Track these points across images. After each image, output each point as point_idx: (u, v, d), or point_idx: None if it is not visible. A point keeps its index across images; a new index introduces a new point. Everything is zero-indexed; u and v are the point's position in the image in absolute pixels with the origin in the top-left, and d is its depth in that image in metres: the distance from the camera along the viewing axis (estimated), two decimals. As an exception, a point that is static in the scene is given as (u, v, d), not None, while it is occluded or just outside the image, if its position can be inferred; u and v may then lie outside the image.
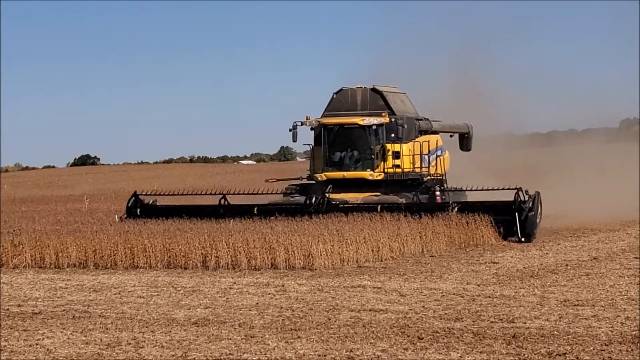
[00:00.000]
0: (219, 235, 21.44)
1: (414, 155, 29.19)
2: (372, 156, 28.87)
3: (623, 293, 15.93)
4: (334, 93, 30.08)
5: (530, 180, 31.62)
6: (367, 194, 27.89)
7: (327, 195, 26.86)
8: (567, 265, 20.01)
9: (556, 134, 58.06)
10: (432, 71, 46.32)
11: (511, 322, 13.48)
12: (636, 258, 20.96)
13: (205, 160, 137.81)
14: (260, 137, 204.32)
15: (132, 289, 17.78)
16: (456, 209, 24.83)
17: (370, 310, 14.67)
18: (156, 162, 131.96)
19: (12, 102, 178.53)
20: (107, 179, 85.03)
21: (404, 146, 29.05)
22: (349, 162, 29.05)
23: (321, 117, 29.63)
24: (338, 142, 29.17)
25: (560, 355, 11.41)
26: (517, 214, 24.86)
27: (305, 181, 29.75)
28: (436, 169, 30.18)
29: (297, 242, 20.56)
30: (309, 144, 30.08)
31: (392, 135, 28.79)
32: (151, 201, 28.84)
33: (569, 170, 42.02)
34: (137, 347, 12.41)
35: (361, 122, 28.80)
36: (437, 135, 31.47)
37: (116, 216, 28.56)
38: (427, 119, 30.94)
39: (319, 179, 28.84)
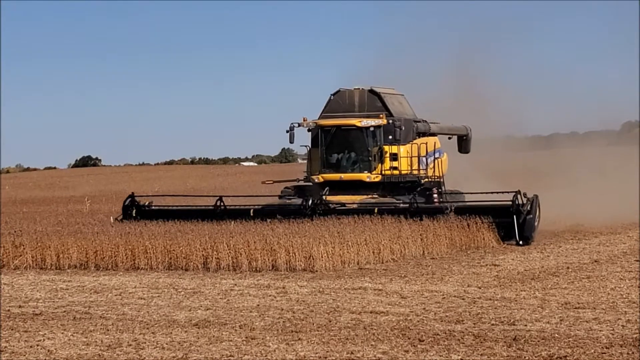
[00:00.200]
0: (219, 236, 21.44)
1: (411, 157, 29.02)
2: (370, 158, 28.66)
3: (624, 296, 15.92)
4: (331, 94, 29.90)
5: (531, 183, 31.65)
6: (365, 196, 27.73)
7: (324, 197, 26.69)
8: (568, 267, 20.00)
9: (557, 137, 58.07)
10: (432, 72, 46.28)
11: (512, 324, 13.48)
12: (637, 261, 20.96)
13: (207, 161, 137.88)
14: (261, 138, 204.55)
15: (133, 291, 17.79)
16: (452, 211, 24.72)
17: (371, 313, 14.67)
18: (157, 164, 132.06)
19: (13, 103, 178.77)
20: (108, 180, 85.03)
21: (402, 148, 28.87)
22: (346, 164, 28.87)
23: (318, 118, 29.45)
24: (335, 143, 28.98)
25: (561, 357, 11.41)
26: (515, 217, 24.76)
27: (302, 183, 29.54)
28: (434, 171, 29.95)
29: (298, 243, 20.57)
30: (306, 146, 29.83)
31: (390, 137, 28.60)
32: (147, 203, 28.68)
33: (570, 173, 42.01)
34: (138, 349, 12.41)
35: (358, 124, 28.60)
36: (435, 137, 31.27)
37: (112, 218, 28.51)
38: (425, 121, 30.75)
39: (316, 180, 28.66)
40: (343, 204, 26.94)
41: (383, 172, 28.58)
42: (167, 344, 12.66)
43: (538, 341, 12.29)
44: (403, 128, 28.72)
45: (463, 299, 15.84)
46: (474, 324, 13.58)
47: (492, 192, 25.80)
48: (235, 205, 27.89)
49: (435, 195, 28.15)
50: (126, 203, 28.59)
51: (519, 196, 25.03)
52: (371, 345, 12.28)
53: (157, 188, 63.58)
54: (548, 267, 20.11)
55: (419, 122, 30.29)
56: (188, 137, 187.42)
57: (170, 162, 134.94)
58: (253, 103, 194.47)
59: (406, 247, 22.49)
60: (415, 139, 29.61)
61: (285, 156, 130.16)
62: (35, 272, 21.37)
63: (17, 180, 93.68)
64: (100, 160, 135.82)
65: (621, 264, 20.44)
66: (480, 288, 17.14)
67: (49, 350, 12.43)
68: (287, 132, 29.12)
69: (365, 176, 28.44)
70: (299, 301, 16.00)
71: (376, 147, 28.67)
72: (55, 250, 22.08)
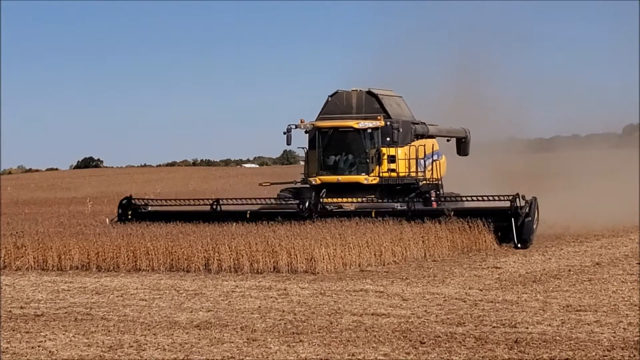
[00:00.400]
0: (221, 238, 21.45)
1: (409, 159, 28.83)
2: (367, 160, 28.46)
3: (625, 299, 15.92)
4: (329, 96, 29.71)
5: (533, 186, 31.63)
6: (361, 199, 27.47)
7: (321, 200, 26.50)
8: (569, 270, 19.99)
9: (559, 140, 58.09)
10: (433, 75, 46.33)
11: (513, 327, 13.47)
12: (639, 263, 20.94)
13: (208, 163, 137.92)
14: (263, 140, 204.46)
15: (135, 292, 17.79)
16: (452, 214, 24.58)
17: (372, 315, 14.67)
18: (159, 165, 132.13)
19: (15, 104, 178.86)
20: (110, 182, 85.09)
21: (400, 150, 28.69)
22: (343, 166, 28.67)
23: (316, 120, 29.27)
24: (333, 145, 28.80)
25: (562, 360, 11.41)
26: (513, 219, 24.59)
27: (299, 185, 29.33)
28: (432, 173, 29.79)
29: (300, 245, 20.57)
30: (303, 148, 29.65)
31: (388, 139, 28.41)
32: (142, 204, 28.50)
33: (571, 176, 42.02)
34: (139, 350, 12.42)
35: (356, 126, 28.43)
36: (434, 139, 31.11)
37: (107, 219, 28.44)
38: (424, 123, 30.56)
39: (313, 183, 28.46)
40: (340, 206, 26.83)
41: (381, 174, 28.38)
42: (168, 345, 12.66)
43: (539, 344, 12.29)
44: (401, 130, 28.53)
45: (464, 302, 15.84)
46: (476, 326, 13.58)
47: (490, 195, 25.68)
48: (232, 203, 27.64)
49: (433, 198, 27.97)
50: (121, 205, 28.32)
51: (517, 199, 24.91)
52: (372, 347, 12.28)
53: (159, 189, 63.66)
54: (549, 270, 20.10)
55: (417, 124, 30.10)
56: (190, 139, 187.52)
57: (172, 164, 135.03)
58: (255, 105, 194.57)
59: (407, 249, 22.48)
60: (413, 141, 29.44)
61: (287, 158, 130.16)
62: (37, 273, 21.38)
63: (19, 181, 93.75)
64: (102, 161, 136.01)
65: (623, 267, 20.42)
66: (481, 290, 17.13)
67: (50, 352, 12.44)
68: (285, 133, 28.95)
69: (362, 178, 28.27)
70: (300, 303, 16.00)
71: (374, 149, 28.47)
72: (57, 251, 22.09)
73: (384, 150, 28.48)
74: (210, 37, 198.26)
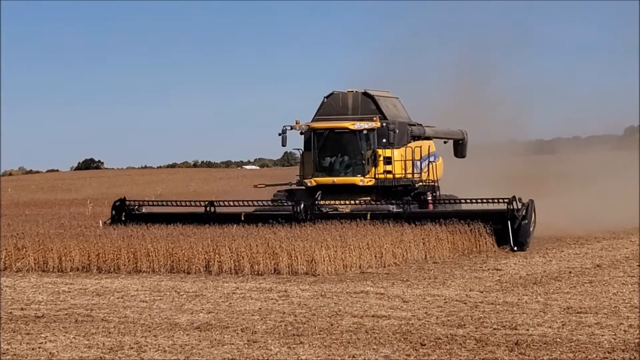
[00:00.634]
0: (222, 240, 21.45)
1: (405, 160, 28.54)
2: (363, 162, 28.17)
3: (626, 301, 15.91)
4: (324, 97, 29.39)
5: (532, 188, 31.56)
6: (357, 201, 27.22)
7: (317, 201, 26.31)
8: (570, 272, 19.99)
9: (560, 141, 58.07)
10: (434, 76, 46.32)
11: (514, 329, 13.47)
12: (639, 266, 20.93)
13: (209, 165, 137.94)
14: (263, 142, 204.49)
15: (135, 293, 17.79)
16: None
17: (372, 316, 14.67)
18: (160, 167, 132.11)
19: (15, 106, 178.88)
20: (110, 183, 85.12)
21: (396, 151, 28.38)
22: (339, 168, 28.39)
23: (311, 121, 28.95)
24: (328, 147, 28.52)
25: (562, 362, 11.41)
26: (509, 222, 24.46)
27: (294, 187, 29.04)
28: (428, 175, 29.43)
29: (300, 247, 20.56)
30: (298, 149, 29.42)
31: (384, 140, 28.11)
32: (136, 206, 28.36)
33: (572, 178, 41.98)
34: (140, 352, 12.42)
35: (352, 127, 28.15)
36: (430, 141, 30.81)
37: (100, 221, 28.39)
38: (420, 124, 30.28)
39: (309, 184, 28.21)
40: (335, 209, 26.69)
41: (376, 176, 28.11)
42: (168, 347, 12.66)
43: (540, 346, 12.28)
44: (397, 131, 28.23)
45: (465, 303, 15.83)
46: (476, 328, 13.57)
47: (487, 198, 25.57)
48: (227, 205, 27.51)
49: (429, 200, 27.82)
50: (114, 208, 28.12)
51: (514, 201, 24.79)
52: (373, 349, 12.28)
53: (159, 191, 63.68)
54: (550, 272, 20.09)
55: (413, 125, 29.81)
56: (190, 141, 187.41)
57: (173, 165, 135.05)
58: (255, 106, 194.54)
59: (408, 251, 22.48)
60: (409, 142, 29.12)
61: (288, 159, 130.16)
62: (38, 274, 21.38)
63: (19, 182, 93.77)
64: (102, 163, 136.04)
65: (623, 269, 20.42)
66: (482, 292, 17.13)
67: (50, 353, 12.44)
68: (280, 135, 28.62)
69: (358, 180, 28.01)
70: (300, 305, 16.00)
71: (370, 150, 28.19)
72: (58, 252, 22.10)
73: (379, 151, 28.21)
74: (211, 38, 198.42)
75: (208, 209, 26.88)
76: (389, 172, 28.28)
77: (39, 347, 12.79)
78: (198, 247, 21.20)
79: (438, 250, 23.11)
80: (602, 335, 12.90)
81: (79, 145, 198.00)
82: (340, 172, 28.39)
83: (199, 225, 24.25)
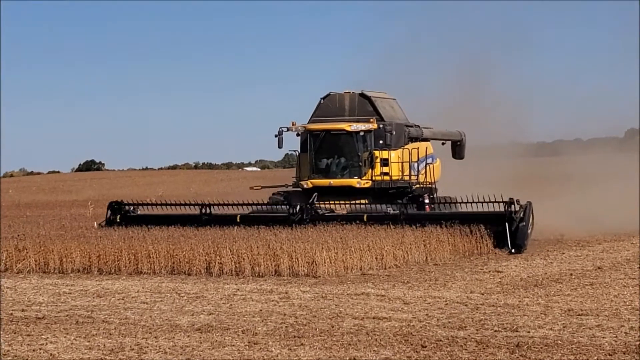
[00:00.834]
0: (222, 241, 21.45)
1: (402, 162, 28.36)
2: (360, 163, 27.99)
3: (627, 303, 15.90)
4: (321, 98, 29.19)
5: (533, 190, 31.57)
6: (354, 203, 27.00)
7: (313, 203, 26.18)
8: (571, 274, 19.98)
9: (561, 143, 58.04)
10: (434, 78, 46.27)
11: (515, 331, 13.46)
12: (640, 268, 20.94)
13: (210, 166, 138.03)
14: (264, 143, 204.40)
15: (136, 295, 17.79)
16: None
17: (373, 318, 14.66)
18: (161, 168, 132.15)
19: (17, 107, 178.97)
20: (111, 185, 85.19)
21: (393, 153, 28.20)
22: (335, 170, 28.17)
23: (308, 122, 28.82)
24: (324, 148, 28.32)
25: (563, 364, 11.40)
26: (507, 224, 24.38)
27: (290, 189, 28.88)
28: (426, 177, 29.27)
29: (301, 249, 20.56)
30: (295, 151, 29.28)
31: (381, 141, 27.91)
32: (131, 208, 28.23)
33: (573, 180, 41.97)
34: (141, 353, 12.42)
35: (348, 128, 27.96)
36: (428, 142, 30.56)
37: (95, 223, 28.35)
38: (418, 126, 30.06)
39: (305, 186, 28.00)
40: (332, 210, 26.56)
41: (373, 177, 27.93)
42: (169, 348, 12.66)
43: (541, 348, 12.28)
44: (394, 133, 28.01)
45: (466, 305, 15.83)
46: (477, 330, 13.57)
47: (485, 200, 25.50)
48: (223, 205, 27.34)
49: (427, 202, 27.70)
50: (110, 209, 28.08)
51: (512, 204, 24.71)
52: (374, 350, 12.27)
53: (160, 192, 63.70)
54: (551, 274, 20.09)
55: (410, 126, 29.59)
56: (191, 142, 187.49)
57: (174, 167, 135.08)
58: (257, 108, 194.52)
59: (409, 253, 22.48)
60: (406, 144, 28.89)
61: (289, 161, 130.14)
62: (38, 275, 21.38)
63: (20, 184, 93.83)
64: (103, 164, 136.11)
65: (624, 271, 20.41)
66: (483, 294, 17.12)
67: (51, 354, 12.44)
68: (276, 136, 28.44)
69: (355, 182, 27.78)
70: (301, 306, 16.00)
71: (366, 152, 27.98)
72: (59, 254, 22.10)
73: (376, 153, 27.99)
74: (213, 39, 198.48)
75: (203, 210, 26.85)
76: (386, 174, 28.07)
77: (40, 349, 12.80)
78: (199, 248, 21.20)
79: (439, 252, 23.11)
80: (603, 338, 12.89)
81: (80, 147, 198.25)
82: (337, 174, 28.18)
83: (197, 227, 24.21)
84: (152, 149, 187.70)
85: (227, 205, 27.33)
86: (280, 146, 28.63)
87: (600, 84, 76.15)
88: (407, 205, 26.28)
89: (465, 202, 25.75)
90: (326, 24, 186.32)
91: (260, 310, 15.70)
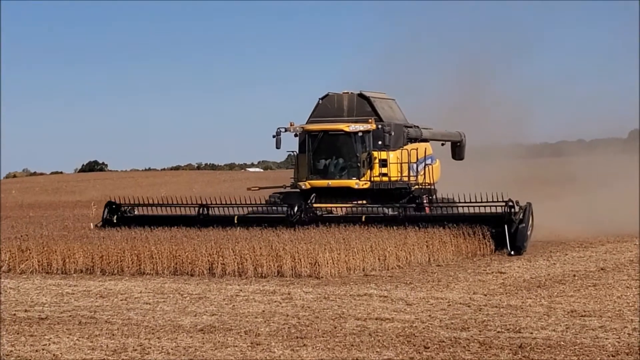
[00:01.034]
0: (225, 242, 21.45)
1: (401, 163, 28.23)
2: (358, 164, 27.87)
3: (630, 304, 15.90)
4: (319, 98, 29.08)
5: (534, 191, 31.53)
6: (351, 204, 26.89)
7: (311, 204, 26.09)
8: (574, 275, 19.97)
9: (564, 144, 58.05)
10: (435, 79, 46.29)
11: (518, 332, 13.46)
12: (643, 269, 20.93)
13: (213, 167, 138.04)
14: (267, 144, 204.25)
15: (139, 295, 17.80)
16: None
17: (376, 319, 14.66)
18: (163, 169, 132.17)
19: (19, 108, 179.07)
20: (114, 185, 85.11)
21: (392, 154, 28.07)
22: (334, 170, 28.07)
23: (306, 123, 28.70)
24: (323, 149, 28.22)
25: (566, 365, 11.39)
26: (506, 226, 24.29)
27: (289, 190, 28.76)
28: (425, 178, 29.09)
29: (304, 250, 20.56)
30: (293, 151, 29.18)
31: (379, 142, 27.80)
32: (128, 209, 28.17)
33: (577, 181, 41.95)
34: (143, 354, 12.42)
35: (347, 129, 27.84)
36: (427, 143, 30.42)
37: (91, 224, 28.31)
38: (417, 126, 29.95)
39: (303, 187, 27.93)
40: (330, 211, 26.45)
41: (372, 178, 27.80)
42: (172, 349, 12.67)
43: (544, 349, 12.27)
44: (393, 133, 27.91)
45: (469, 306, 15.82)
46: (480, 331, 13.57)
47: (485, 202, 25.41)
48: (220, 206, 27.25)
49: (425, 203, 27.63)
50: (106, 210, 28.04)
51: (512, 205, 24.63)
52: (376, 351, 12.27)
53: (163, 193, 63.68)
54: (554, 275, 20.08)
55: (410, 127, 29.48)
56: (194, 143, 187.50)
57: (177, 168, 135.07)
58: (259, 109, 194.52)
59: (412, 254, 22.47)
60: (405, 144, 28.79)
61: (291, 162, 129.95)
62: (41, 276, 21.39)
63: (23, 184, 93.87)
64: (106, 165, 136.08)
65: (627, 272, 20.40)
66: (486, 295, 17.12)
67: (54, 355, 12.44)
68: (274, 137, 28.34)
69: (353, 183, 27.69)
70: (304, 307, 16.00)
71: (365, 152, 27.86)
72: (61, 254, 22.11)
73: (375, 154, 27.85)
74: (215, 40, 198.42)
75: (201, 211, 26.82)
76: (385, 174, 27.95)
77: (43, 349, 12.80)
78: (201, 249, 21.21)
79: (442, 253, 23.11)
80: (606, 339, 12.89)
81: (82, 148, 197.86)
82: (335, 174, 28.09)
83: (200, 228, 24.20)
84: (154, 150, 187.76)
85: (225, 206, 27.27)
86: (278, 147, 28.52)
87: (602, 84, 76.20)
88: (405, 207, 26.20)
89: (464, 204, 25.66)
90: (326, 24, 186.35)
91: (263, 311, 15.71)
